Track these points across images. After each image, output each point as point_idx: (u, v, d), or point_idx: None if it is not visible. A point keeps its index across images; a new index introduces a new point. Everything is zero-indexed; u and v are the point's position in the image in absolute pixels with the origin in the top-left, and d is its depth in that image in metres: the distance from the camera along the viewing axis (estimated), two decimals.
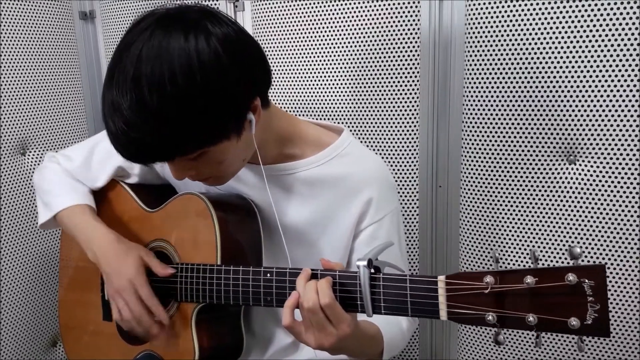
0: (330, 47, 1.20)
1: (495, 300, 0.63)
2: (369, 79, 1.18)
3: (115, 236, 0.95)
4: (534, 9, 1.01)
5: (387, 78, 1.16)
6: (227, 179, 0.88)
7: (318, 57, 1.22)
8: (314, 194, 0.92)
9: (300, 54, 1.24)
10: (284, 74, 1.27)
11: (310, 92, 1.25)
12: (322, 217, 0.92)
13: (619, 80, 0.97)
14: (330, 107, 1.24)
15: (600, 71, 0.98)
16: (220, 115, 0.73)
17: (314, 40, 1.22)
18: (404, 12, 1.12)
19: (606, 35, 0.96)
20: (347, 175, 0.91)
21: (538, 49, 1.02)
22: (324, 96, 1.24)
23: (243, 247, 0.92)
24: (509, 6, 1.03)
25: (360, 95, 1.20)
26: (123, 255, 0.91)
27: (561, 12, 0.99)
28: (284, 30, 1.24)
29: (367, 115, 1.20)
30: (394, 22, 1.13)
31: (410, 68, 1.13)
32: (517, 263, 1.12)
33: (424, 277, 0.68)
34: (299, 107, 1.27)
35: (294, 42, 1.24)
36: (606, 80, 0.98)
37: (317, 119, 1.05)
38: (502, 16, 1.03)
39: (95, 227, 0.97)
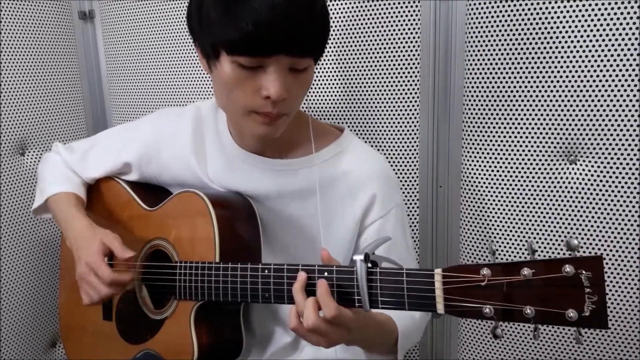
0: (330, 47, 1.20)
1: (492, 292, 0.63)
2: (369, 79, 1.18)
3: (88, 223, 0.98)
4: (534, 9, 1.01)
5: (387, 78, 1.16)
6: (287, 122, 0.88)
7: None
8: (318, 189, 0.93)
9: None
10: None
11: (310, 92, 1.25)
12: (326, 211, 0.93)
13: (619, 80, 0.97)
14: (330, 107, 1.24)
15: (601, 71, 0.98)
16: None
17: None
18: (404, 12, 1.12)
19: (606, 35, 0.96)
20: (351, 172, 0.93)
21: (538, 48, 1.02)
22: (324, 96, 1.24)
23: (242, 244, 0.92)
24: (509, 6, 1.02)
25: (360, 95, 1.20)
26: (89, 242, 0.93)
27: (561, 12, 0.99)
28: None
29: (367, 115, 1.20)
30: (394, 22, 1.13)
31: (410, 68, 1.13)
32: None
33: (421, 271, 0.68)
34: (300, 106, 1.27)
35: None
36: (606, 81, 0.98)
37: (317, 119, 1.05)
38: (502, 16, 1.03)
39: (74, 215, 1.00)
